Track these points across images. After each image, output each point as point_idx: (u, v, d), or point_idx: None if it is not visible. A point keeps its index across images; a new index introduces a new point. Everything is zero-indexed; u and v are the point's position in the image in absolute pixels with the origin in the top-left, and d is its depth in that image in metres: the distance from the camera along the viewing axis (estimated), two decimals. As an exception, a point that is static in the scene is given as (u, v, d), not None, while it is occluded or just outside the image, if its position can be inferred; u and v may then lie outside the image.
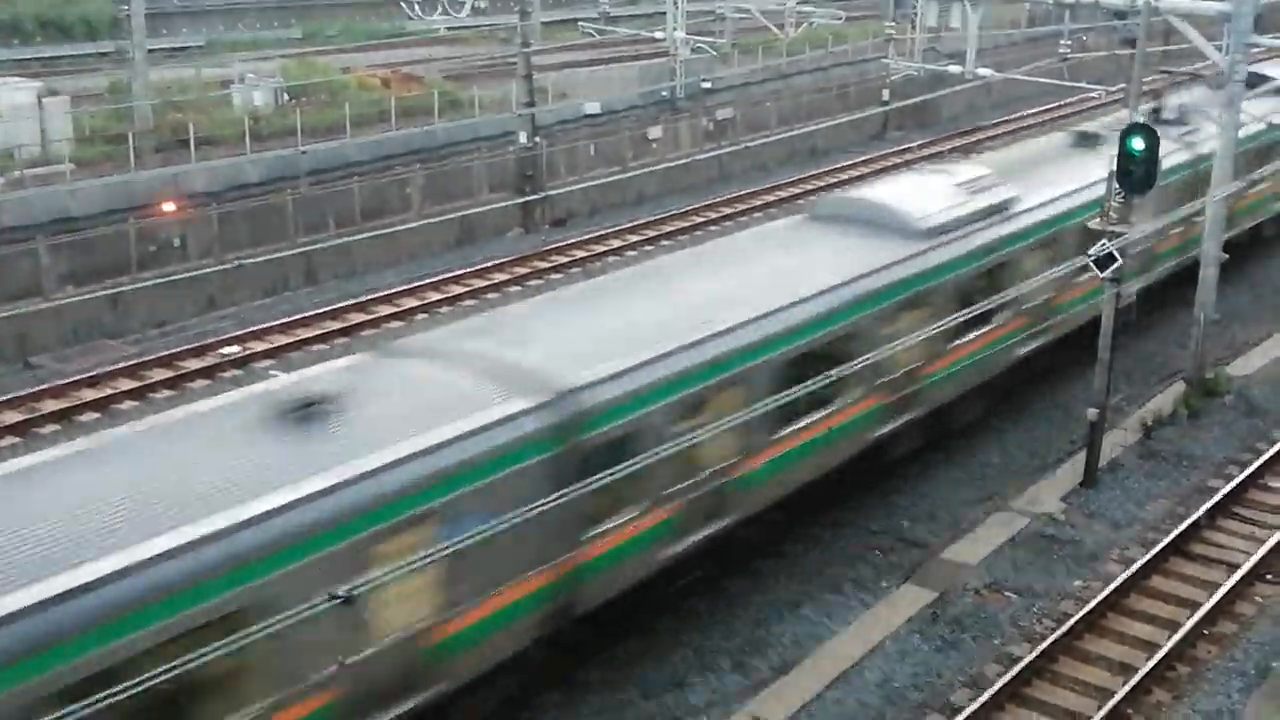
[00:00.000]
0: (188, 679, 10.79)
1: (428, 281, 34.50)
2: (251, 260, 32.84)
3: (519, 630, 15.64)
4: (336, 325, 31.16)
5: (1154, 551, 20.37)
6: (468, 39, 64.43)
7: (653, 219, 41.00)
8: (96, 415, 26.00)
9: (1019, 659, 17.74)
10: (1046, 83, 44.41)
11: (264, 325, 31.06)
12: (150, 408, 26.06)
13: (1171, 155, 26.12)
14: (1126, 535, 21.54)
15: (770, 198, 43.74)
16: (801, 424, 19.42)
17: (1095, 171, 24.76)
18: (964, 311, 21.51)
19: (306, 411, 14.34)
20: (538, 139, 41.36)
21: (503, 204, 40.37)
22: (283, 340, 30.13)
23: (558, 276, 35.12)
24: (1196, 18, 26.20)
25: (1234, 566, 20.20)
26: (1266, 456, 23.83)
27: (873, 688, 17.38)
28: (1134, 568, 19.88)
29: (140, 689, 10.03)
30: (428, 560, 13.15)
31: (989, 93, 59.06)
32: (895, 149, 51.54)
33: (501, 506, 14.55)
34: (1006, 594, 19.76)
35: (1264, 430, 25.60)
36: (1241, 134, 26.37)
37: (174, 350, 29.39)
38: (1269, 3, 34.73)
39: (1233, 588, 19.52)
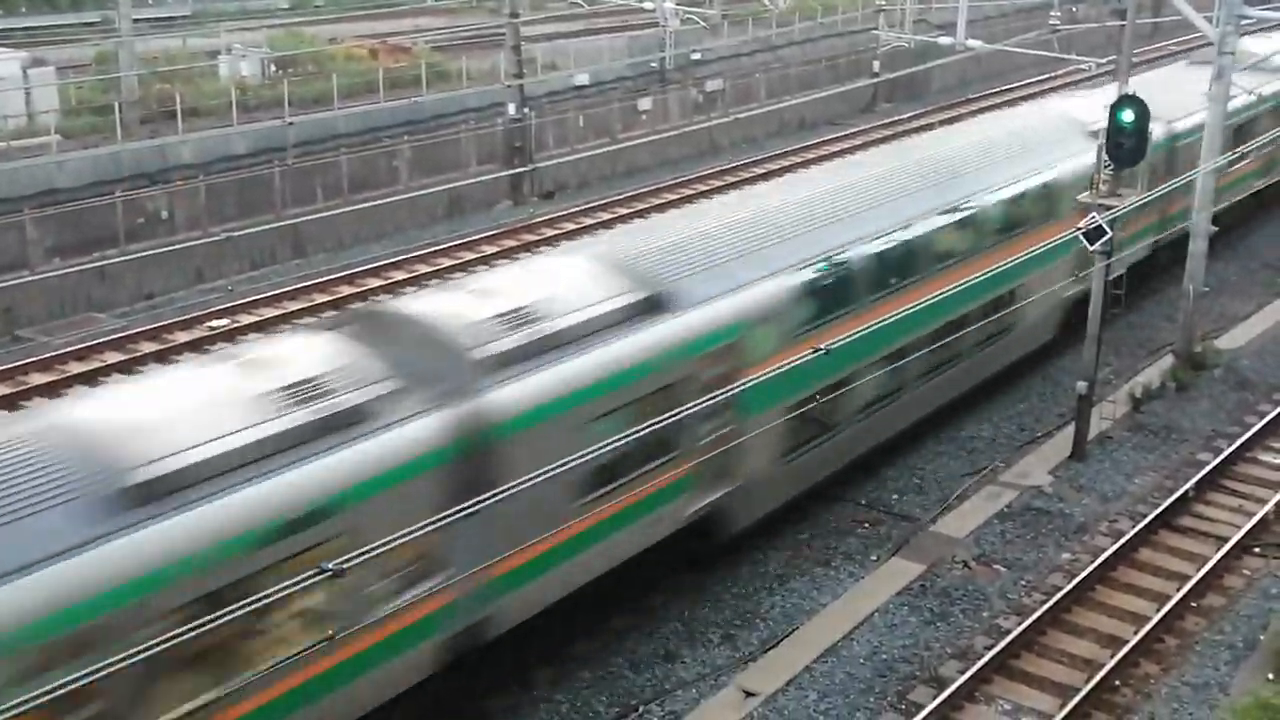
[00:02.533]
0: None
1: (416, 254, 34.38)
2: (239, 233, 32.80)
3: None
4: (324, 298, 31.05)
5: (1143, 524, 20.43)
6: (456, 9, 64.09)
7: (642, 191, 40.88)
8: (84, 388, 25.88)
9: (1007, 631, 17.80)
10: (1037, 54, 44.33)
11: (252, 298, 30.95)
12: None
13: None
14: (1115, 508, 21.59)
15: (759, 170, 43.62)
16: None
17: None
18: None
19: None
20: (526, 110, 41.17)
21: (491, 176, 40.25)
22: (271, 313, 30.02)
23: (547, 249, 34.99)
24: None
25: (1222, 539, 20.26)
26: (1255, 429, 23.88)
27: (861, 660, 17.43)
28: (1122, 540, 19.92)
29: None
30: None
31: (979, 64, 58.96)
32: (884, 121, 51.39)
33: None
34: (995, 566, 19.81)
35: (1252, 403, 25.66)
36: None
37: (162, 323, 29.28)
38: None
39: (1221, 560, 19.58)
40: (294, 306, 30.44)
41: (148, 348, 27.89)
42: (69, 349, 27.63)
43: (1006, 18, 63.65)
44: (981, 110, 51.34)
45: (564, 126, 43.93)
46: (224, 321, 29.40)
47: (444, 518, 11.36)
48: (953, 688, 16.39)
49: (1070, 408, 23.88)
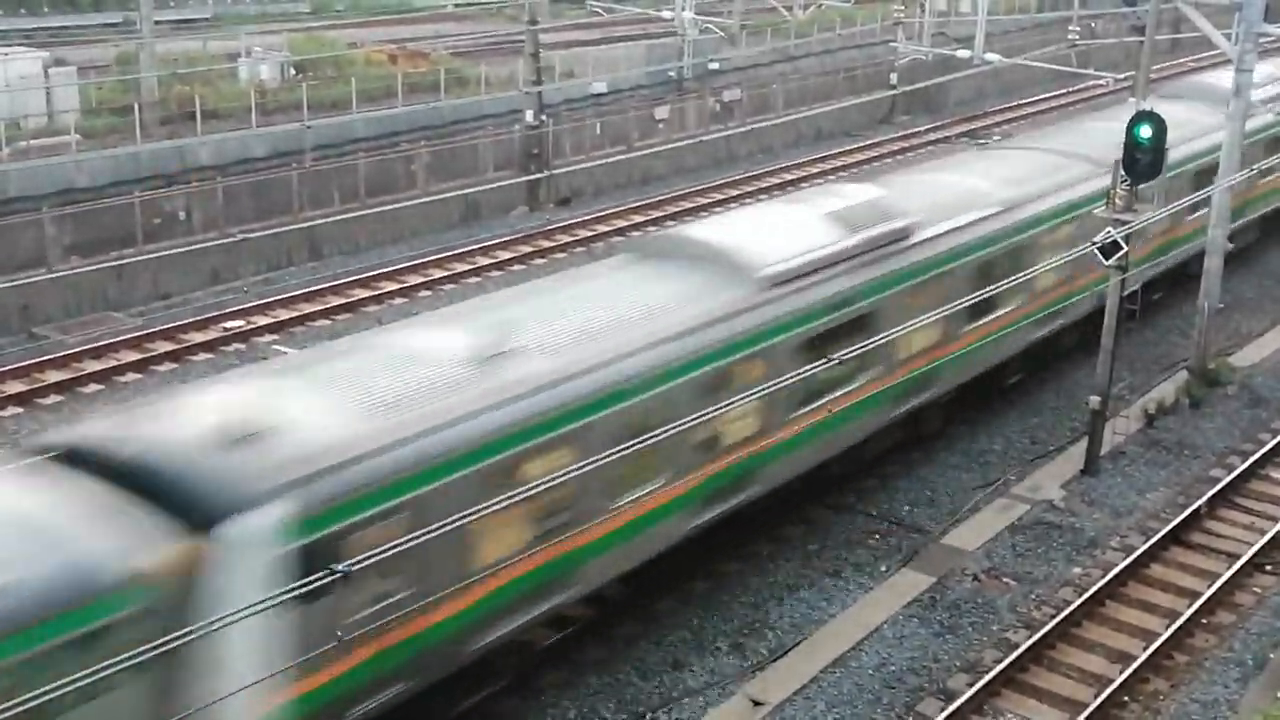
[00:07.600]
0: None
1: (431, 259, 34.46)
2: (256, 234, 32.89)
3: None
4: (339, 301, 31.15)
5: (1154, 540, 20.39)
6: (475, 15, 64.31)
7: (657, 199, 40.95)
8: (99, 387, 26.02)
9: (1017, 645, 17.78)
10: (1055, 69, 44.33)
11: (267, 300, 31.05)
12: (152, 380, 26.12)
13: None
14: (1126, 523, 21.55)
15: (775, 180, 43.67)
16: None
17: None
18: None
19: None
20: (544, 117, 41.27)
21: (508, 182, 40.33)
22: (286, 315, 30.12)
23: (562, 256, 35.09)
24: (1207, 5, 26.11)
25: (1234, 556, 20.21)
26: (1268, 447, 23.81)
27: (870, 671, 17.42)
28: (1134, 556, 19.89)
29: None
30: None
31: (997, 78, 58.95)
32: (902, 133, 51.43)
33: None
34: (1005, 580, 19.79)
35: (1266, 421, 25.59)
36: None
37: (177, 323, 29.39)
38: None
39: (1232, 578, 19.53)
40: (309, 309, 30.54)
41: (163, 347, 28.01)
42: (85, 347, 27.75)
43: (1025, 31, 63.63)
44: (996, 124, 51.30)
45: (581, 134, 44.02)
46: (239, 323, 29.52)
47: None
48: (961, 700, 16.37)
49: (1083, 422, 23.85)
